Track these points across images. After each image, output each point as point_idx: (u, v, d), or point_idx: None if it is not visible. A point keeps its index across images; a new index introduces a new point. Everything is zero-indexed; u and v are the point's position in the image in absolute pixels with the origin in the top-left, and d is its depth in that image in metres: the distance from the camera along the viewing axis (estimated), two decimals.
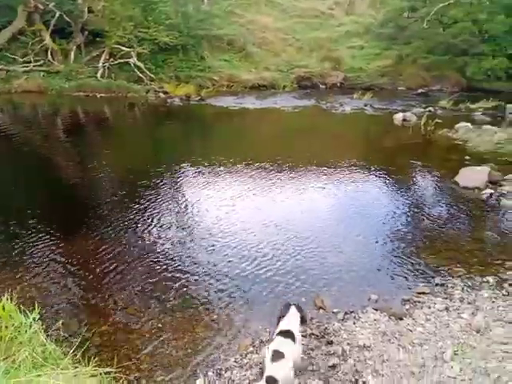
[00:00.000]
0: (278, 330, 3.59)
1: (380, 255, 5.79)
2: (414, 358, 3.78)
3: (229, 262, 5.53)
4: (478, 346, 3.88)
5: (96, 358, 3.20)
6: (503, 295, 4.77)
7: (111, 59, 20.10)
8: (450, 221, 6.84)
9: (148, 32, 20.30)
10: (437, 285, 5.03)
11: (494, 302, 4.65)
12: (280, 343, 3.37)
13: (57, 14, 19.40)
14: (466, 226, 6.73)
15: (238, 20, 25.46)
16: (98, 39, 20.12)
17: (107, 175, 8.95)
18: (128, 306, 4.60)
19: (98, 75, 19.30)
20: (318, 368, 3.72)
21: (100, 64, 19.70)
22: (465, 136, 11.77)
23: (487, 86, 19.52)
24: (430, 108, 16.00)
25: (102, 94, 18.30)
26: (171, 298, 4.76)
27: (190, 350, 3.99)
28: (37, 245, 5.81)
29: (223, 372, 3.72)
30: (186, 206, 7.37)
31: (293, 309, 3.79)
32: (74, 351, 3.06)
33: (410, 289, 4.99)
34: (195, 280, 5.13)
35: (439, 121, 12.26)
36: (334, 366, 3.72)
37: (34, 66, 19.21)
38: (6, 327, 2.89)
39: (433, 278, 5.18)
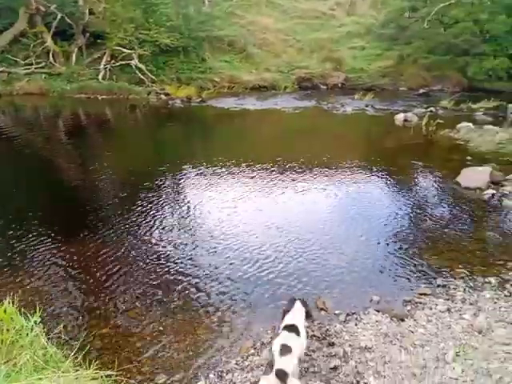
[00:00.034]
0: (283, 325, 3.60)
1: (382, 256, 5.77)
2: (415, 359, 3.77)
3: (230, 264, 5.53)
4: (480, 347, 3.87)
5: (97, 361, 3.20)
6: (505, 296, 4.75)
7: (112, 61, 20.18)
8: (452, 221, 6.83)
9: (149, 34, 20.36)
10: (438, 286, 5.02)
11: (496, 302, 4.63)
12: (287, 337, 3.39)
13: (58, 16, 19.50)
14: (468, 227, 6.71)
15: (238, 21, 25.52)
16: (99, 41, 20.21)
17: (109, 177, 8.95)
18: (129, 309, 4.60)
19: (100, 77, 19.38)
20: (320, 370, 3.71)
21: (101, 66, 19.77)
22: (466, 136, 11.75)
23: (488, 86, 19.52)
24: (432, 108, 15.99)
25: (104, 96, 18.36)
26: (172, 301, 4.75)
27: (191, 353, 3.99)
28: (38, 248, 5.81)
29: (224, 374, 3.71)
30: (188, 207, 7.37)
31: (298, 303, 3.81)
32: (75, 354, 3.07)
33: (411, 290, 4.97)
34: (196, 282, 5.12)
35: (440, 121, 12.26)
36: (335, 368, 3.71)
37: (35, 68, 19.30)
38: (8, 330, 2.90)
39: (434, 278, 5.17)
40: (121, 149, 11.79)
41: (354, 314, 4.52)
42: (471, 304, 4.62)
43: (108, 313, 4.55)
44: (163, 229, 6.50)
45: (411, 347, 3.93)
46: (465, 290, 4.90)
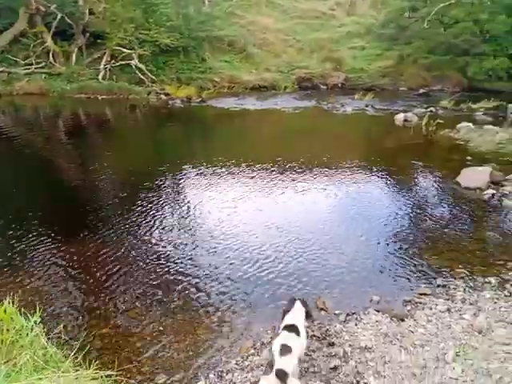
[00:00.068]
0: (283, 325, 3.61)
1: (382, 256, 5.77)
2: (415, 359, 3.77)
3: (230, 264, 5.53)
4: (480, 347, 3.87)
5: (97, 361, 3.20)
6: (505, 296, 4.75)
7: (112, 61, 20.18)
8: (452, 221, 6.83)
9: (149, 34, 20.37)
10: (438, 286, 5.02)
11: (496, 302, 4.63)
12: (287, 337, 3.39)
13: (58, 16, 19.50)
14: (468, 227, 6.71)
15: (238, 21, 25.52)
16: (99, 41, 20.21)
17: (109, 177, 8.95)
18: (129, 309, 4.60)
19: (100, 77, 19.38)
20: (320, 370, 3.71)
21: (101, 66, 19.77)
22: (466, 136, 11.75)
23: (488, 86, 19.52)
24: (432, 108, 15.99)
25: (104, 96, 18.36)
26: (172, 301, 4.75)
27: (191, 353, 3.99)
28: (38, 248, 5.81)
29: (224, 374, 3.71)
30: (188, 207, 7.37)
31: (298, 303, 3.82)
32: (75, 354, 3.07)
33: (411, 290, 4.97)
34: (196, 282, 5.12)
35: (440, 121, 12.26)
36: (335, 368, 3.71)
37: (35, 68, 19.30)
38: (8, 330, 2.90)
39: (434, 278, 5.17)
40: (121, 149, 11.79)
41: (354, 313, 4.51)
42: (471, 304, 4.62)
43: (108, 313, 4.55)
44: (163, 229, 6.50)
45: (411, 347, 3.93)
46: (465, 290, 4.90)
